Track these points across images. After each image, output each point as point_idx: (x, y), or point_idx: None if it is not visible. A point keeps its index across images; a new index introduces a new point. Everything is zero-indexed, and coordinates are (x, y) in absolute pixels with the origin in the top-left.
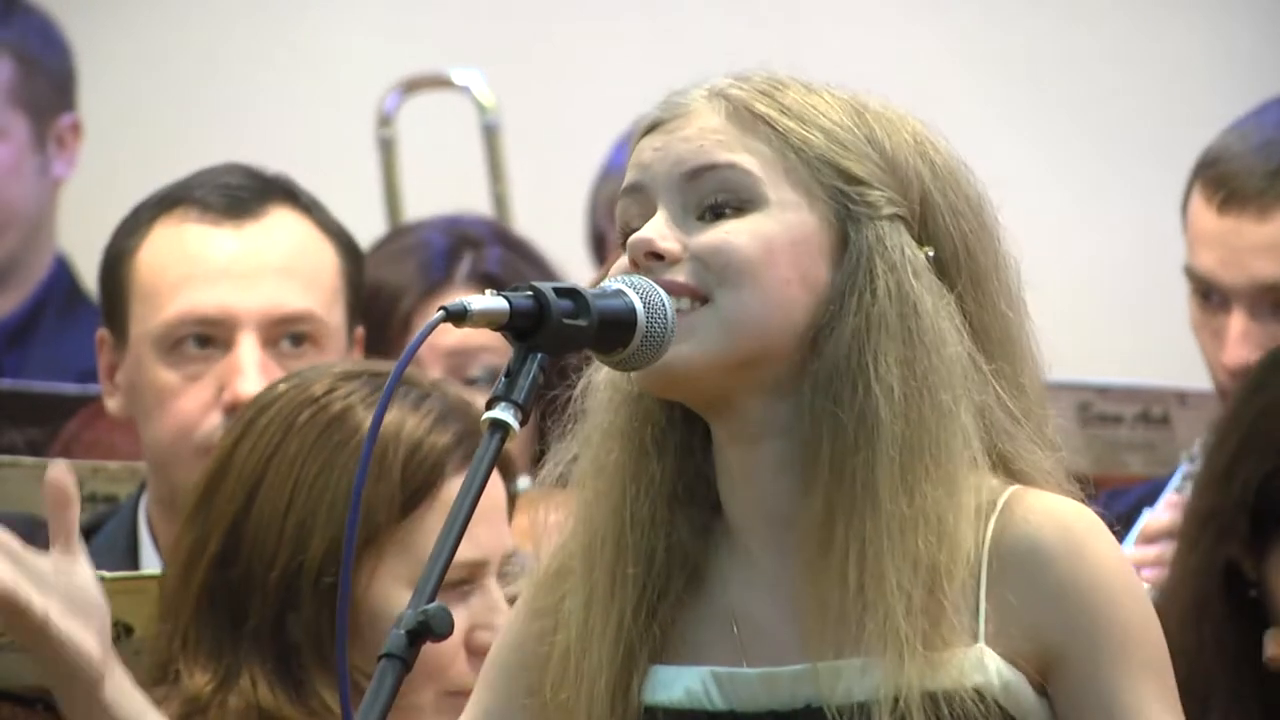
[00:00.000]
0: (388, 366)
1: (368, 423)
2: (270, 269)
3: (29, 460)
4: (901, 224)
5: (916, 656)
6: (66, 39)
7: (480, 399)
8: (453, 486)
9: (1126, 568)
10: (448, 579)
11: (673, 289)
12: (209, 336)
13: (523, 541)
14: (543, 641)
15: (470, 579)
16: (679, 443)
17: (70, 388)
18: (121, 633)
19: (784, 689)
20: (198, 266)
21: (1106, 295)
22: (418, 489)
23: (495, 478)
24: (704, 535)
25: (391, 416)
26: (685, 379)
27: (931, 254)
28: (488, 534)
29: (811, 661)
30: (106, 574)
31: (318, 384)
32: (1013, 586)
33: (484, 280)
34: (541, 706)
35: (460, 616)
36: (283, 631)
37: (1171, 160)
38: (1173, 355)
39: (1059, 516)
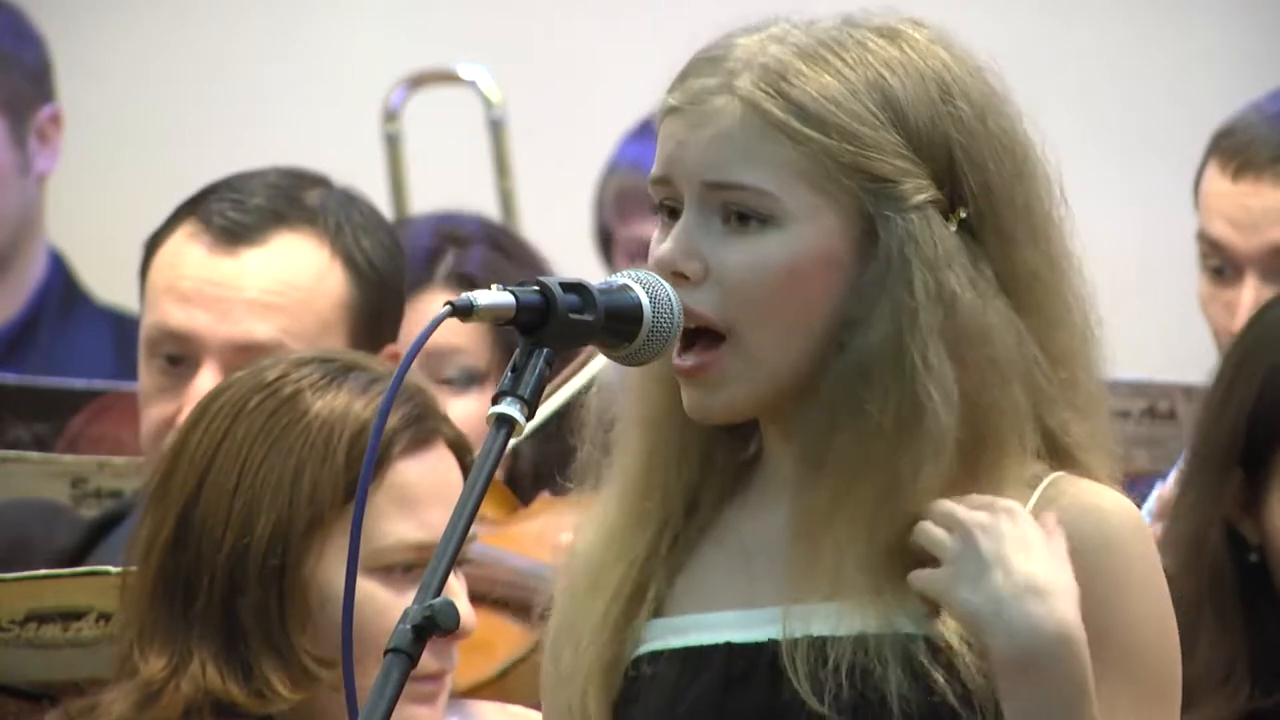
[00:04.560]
0: (345, 355)
1: (315, 406)
2: (243, 301)
3: (35, 455)
4: (931, 207)
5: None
6: (39, 30)
7: (454, 400)
8: (402, 469)
9: (1158, 579)
10: (386, 563)
11: (695, 320)
12: (179, 355)
13: (535, 549)
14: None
15: (421, 562)
16: None
17: (76, 383)
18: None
19: (776, 623)
20: (180, 284)
21: (1112, 291)
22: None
23: (452, 461)
24: (742, 470)
25: (339, 401)
26: (730, 416)
27: (964, 215)
28: (441, 516)
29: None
30: (113, 569)
31: (271, 370)
32: None
33: (461, 281)
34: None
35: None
36: (230, 615)
37: (1177, 157)
38: (1179, 350)
39: (1101, 511)
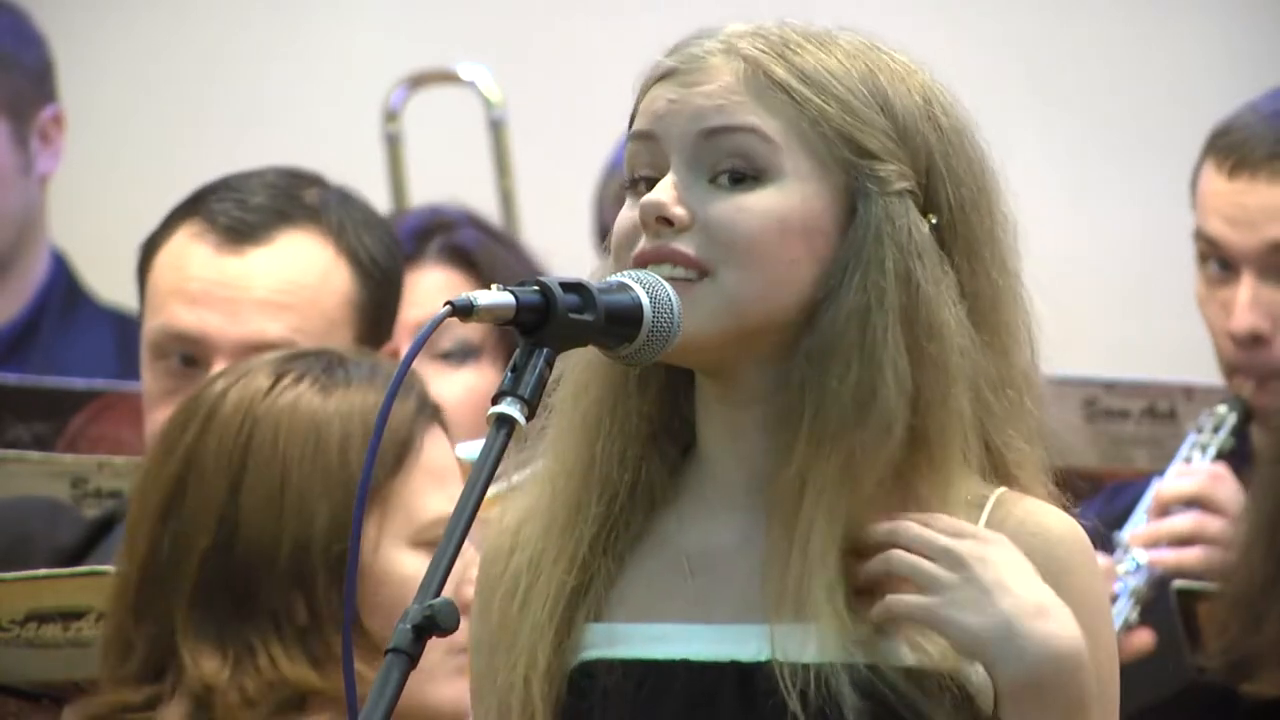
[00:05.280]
0: (320, 350)
1: (334, 397)
2: (255, 299)
3: (35, 455)
4: (909, 198)
5: (858, 628)
6: (41, 30)
7: (453, 374)
8: (427, 447)
9: (1103, 600)
10: (431, 536)
11: (676, 258)
12: (191, 355)
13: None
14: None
15: None
16: (662, 382)
17: (77, 382)
18: None
19: (748, 644)
20: (187, 286)
21: (1112, 291)
22: (400, 449)
23: (445, 437)
24: (673, 475)
25: (355, 390)
26: (684, 352)
27: (934, 221)
28: (458, 490)
29: (766, 621)
30: (113, 569)
31: (260, 374)
32: None
33: (456, 254)
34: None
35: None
36: (295, 606)
37: (1177, 156)
38: (1179, 350)
39: (1047, 534)
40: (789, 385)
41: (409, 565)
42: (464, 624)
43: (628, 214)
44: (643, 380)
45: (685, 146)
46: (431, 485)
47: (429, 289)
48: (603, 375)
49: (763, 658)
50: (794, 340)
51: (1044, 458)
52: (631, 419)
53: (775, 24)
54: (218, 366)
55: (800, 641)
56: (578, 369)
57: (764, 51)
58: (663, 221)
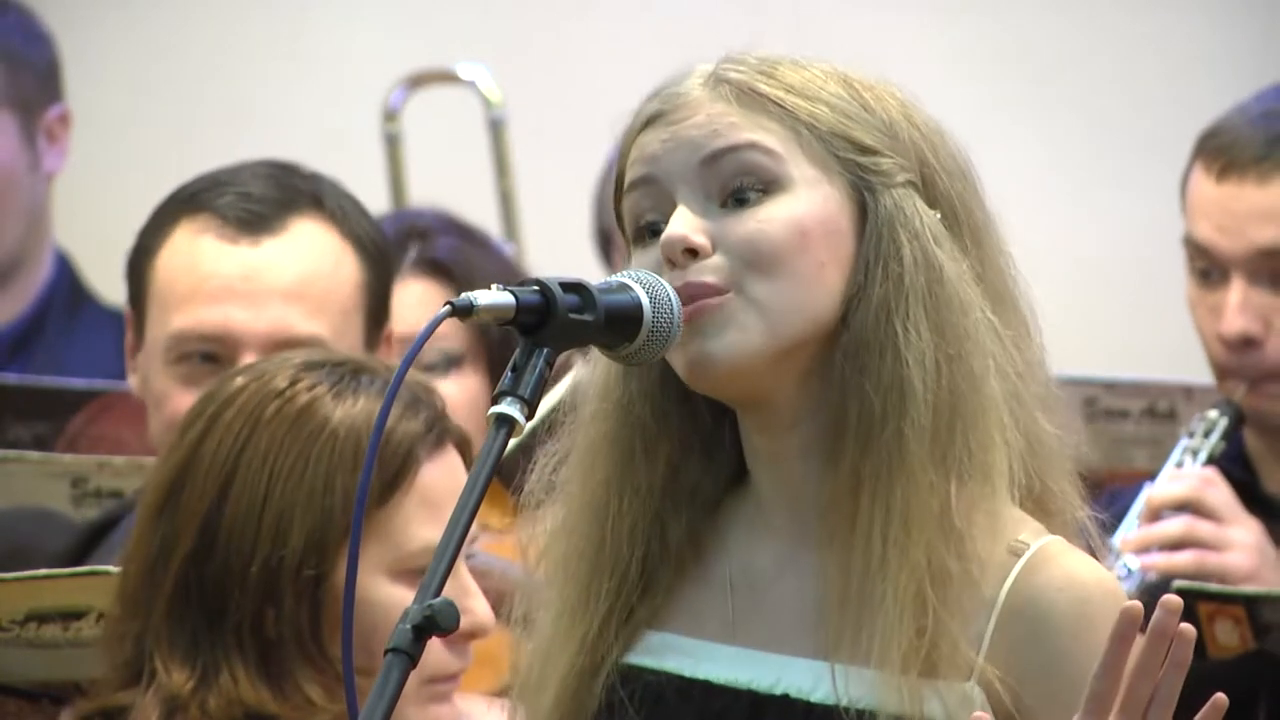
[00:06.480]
0: (349, 357)
1: (336, 414)
2: (278, 291)
3: (35, 455)
4: (913, 189)
5: (912, 673)
6: (48, 29)
7: (438, 384)
8: (427, 472)
9: None
10: (415, 566)
11: (705, 292)
12: (214, 353)
13: (510, 554)
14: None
15: None
16: (671, 450)
17: (76, 382)
18: None
19: (767, 673)
20: (206, 283)
21: (1112, 291)
22: (394, 476)
23: (460, 461)
24: (699, 528)
25: (359, 408)
26: (732, 373)
27: (938, 216)
28: None
29: (806, 656)
30: (114, 569)
31: (279, 376)
32: (1015, 640)
33: (431, 267)
34: None
35: None
36: (263, 626)
37: (1177, 155)
38: (1179, 350)
39: (1080, 590)
40: (829, 396)
41: (385, 595)
42: (443, 654)
43: (644, 261)
44: (650, 452)
45: (689, 178)
46: (423, 514)
47: (410, 302)
48: (608, 455)
49: (778, 690)
50: (829, 348)
51: (1064, 452)
52: (640, 494)
53: (746, 53)
54: (245, 360)
55: (858, 683)
56: (583, 450)
57: (746, 73)
58: (689, 253)
